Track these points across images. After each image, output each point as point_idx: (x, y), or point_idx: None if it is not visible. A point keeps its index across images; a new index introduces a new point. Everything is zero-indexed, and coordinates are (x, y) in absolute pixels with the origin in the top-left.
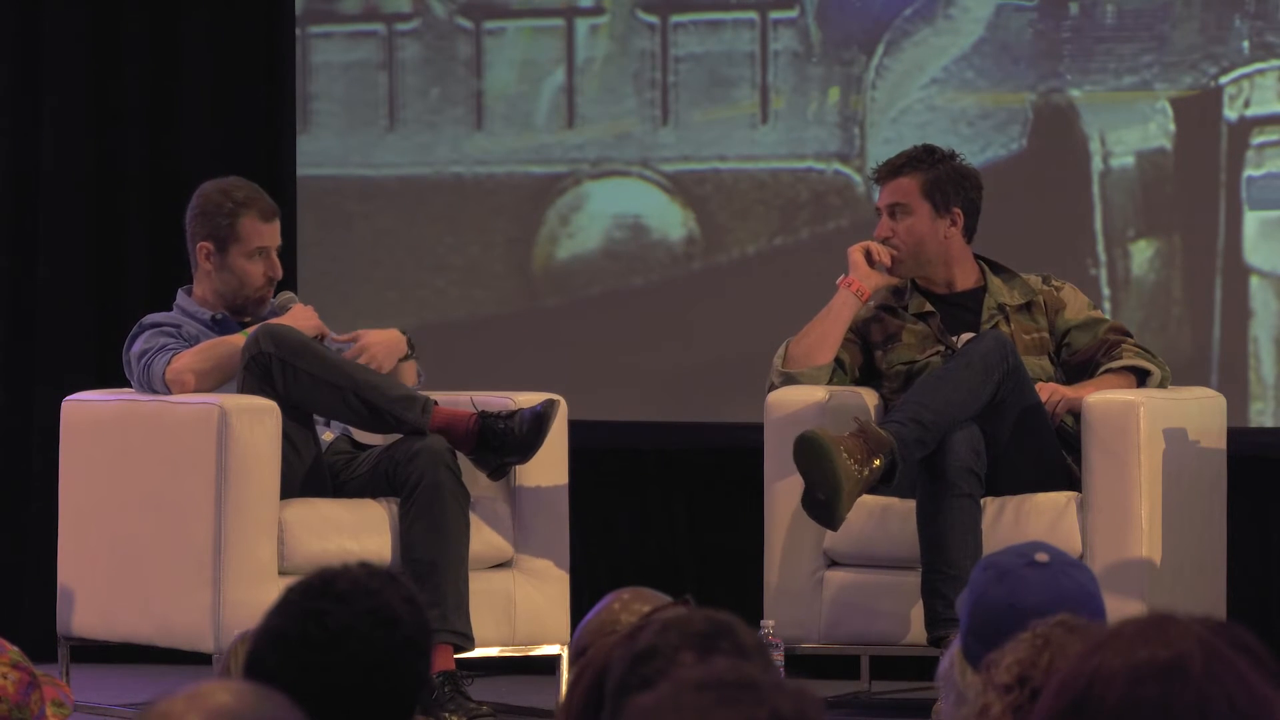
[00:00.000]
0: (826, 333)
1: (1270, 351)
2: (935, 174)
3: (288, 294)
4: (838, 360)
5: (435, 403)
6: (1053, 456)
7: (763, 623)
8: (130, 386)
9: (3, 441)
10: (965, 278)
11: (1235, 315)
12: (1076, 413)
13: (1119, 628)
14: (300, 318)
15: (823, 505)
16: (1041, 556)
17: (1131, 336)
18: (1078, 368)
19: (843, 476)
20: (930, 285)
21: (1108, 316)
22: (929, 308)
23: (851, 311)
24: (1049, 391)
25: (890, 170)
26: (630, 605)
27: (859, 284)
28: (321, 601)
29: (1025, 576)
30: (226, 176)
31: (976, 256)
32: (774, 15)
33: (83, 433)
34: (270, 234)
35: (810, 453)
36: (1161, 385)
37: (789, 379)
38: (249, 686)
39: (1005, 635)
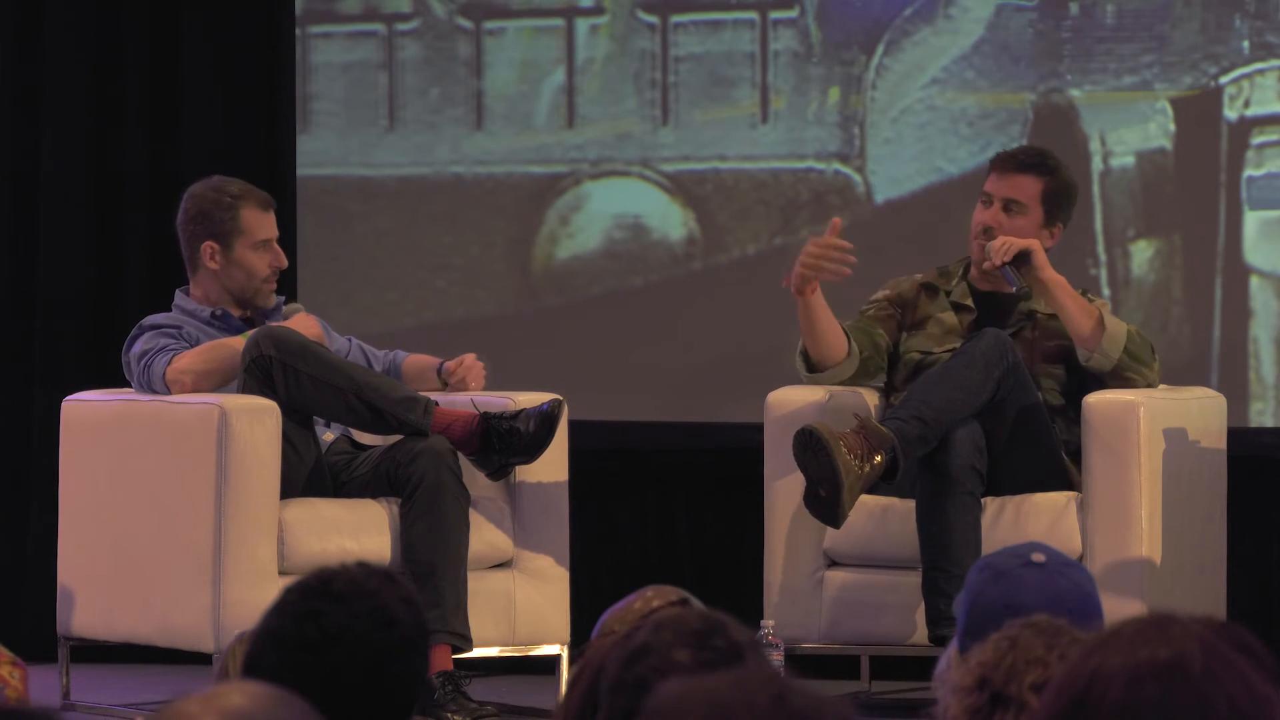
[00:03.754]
0: (813, 336)
1: (1270, 351)
2: (1057, 184)
3: (295, 305)
4: (874, 341)
5: (436, 404)
6: (1053, 455)
7: (763, 623)
8: (130, 387)
9: (3, 441)
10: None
11: (1235, 315)
12: (1023, 267)
13: (1119, 628)
14: (302, 327)
15: (825, 501)
16: (1038, 557)
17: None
18: (1095, 378)
19: (843, 471)
20: (980, 282)
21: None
22: (969, 302)
23: (806, 303)
24: (1001, 239)
25: (1017, 164)
26: (652, 603)
27: (787, 279)
28: (319, 602)
29: (1021, 577)
30: (210, 178)
31: None
32: (774, 15)
33: (83, 433)
34: (270, 224)
35: (810, 447)
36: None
37: (816, 382)
38: (264, 688)
39: None
